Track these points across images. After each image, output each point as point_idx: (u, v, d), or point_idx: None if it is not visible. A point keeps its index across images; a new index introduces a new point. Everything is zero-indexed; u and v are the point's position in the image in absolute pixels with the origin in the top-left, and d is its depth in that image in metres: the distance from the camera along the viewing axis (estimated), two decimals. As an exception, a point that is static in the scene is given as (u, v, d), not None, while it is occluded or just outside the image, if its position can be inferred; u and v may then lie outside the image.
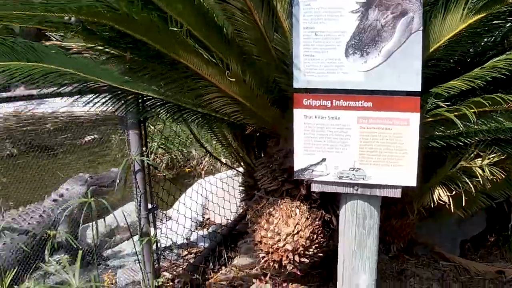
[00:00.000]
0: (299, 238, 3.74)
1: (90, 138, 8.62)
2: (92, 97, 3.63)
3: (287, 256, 3.76)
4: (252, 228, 3.98)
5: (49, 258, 4.08)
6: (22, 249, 5.41)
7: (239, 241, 5.62)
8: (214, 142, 7.42)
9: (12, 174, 6.82)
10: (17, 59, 3.07)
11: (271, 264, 3.85)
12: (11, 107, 11.09)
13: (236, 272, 5.09)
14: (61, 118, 10.87)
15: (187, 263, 5.16)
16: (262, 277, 3.85)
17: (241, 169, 5.55)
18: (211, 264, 5.20)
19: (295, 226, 3.74)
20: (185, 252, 5.42)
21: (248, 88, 3.43)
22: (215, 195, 6.06)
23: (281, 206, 3.84)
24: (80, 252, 3.17)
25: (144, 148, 4.09)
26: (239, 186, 5.86)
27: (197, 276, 4.94)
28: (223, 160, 7.15)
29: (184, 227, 5.49)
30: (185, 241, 5.51)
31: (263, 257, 3.89)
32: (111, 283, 4.71)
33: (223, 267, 5.23)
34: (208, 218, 6.27)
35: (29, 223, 5.71)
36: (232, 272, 5.11)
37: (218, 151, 7.45)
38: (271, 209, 3.86)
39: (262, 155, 4.57)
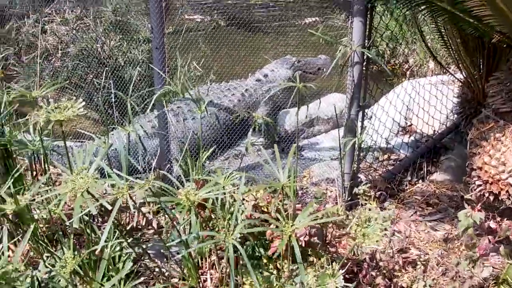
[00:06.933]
0: (526, 174, 3.25)
1: (311, 20, 8.30)
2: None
3: (507, 191, 3.29)
4: (473, 151, 3.53)
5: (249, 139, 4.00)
6: (218, 125, 5.47)
7: (441, 156, 5.17)
8: (430, 42, 6.81)
9: (217, 47, 6.77)
10: None
11: (486, 194, 3.42)
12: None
13: (433, 189, 4.72)
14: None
15: (384, 169, 4.87)
16: (475, 205, 3.42)
17: (460, 76, 5.00)
18: (408, 175, 4.86)
19: (524, 160, 3.24)
20: (384, 157, 5.10)
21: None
22: (424, 99, 5.48)
23: (514, 134, 3.33)
24: (294, 145, 2.97)
25: (366, 40, 3.75)
26: (454, 96, 5.34)
27: (392, 186, 4.66)
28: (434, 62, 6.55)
29: (389, 130, 5.09)
30: (385, 144, 5.16)
31: (478, 185, 3.45)
32: (310, 178, 4.60)
33: (420, 181, 4.87)
34: (411, 125, 5.80)
35: (230, 100, 5.72)
36: (429, 187, 4.75)
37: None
38: (500, 134, 3.36)
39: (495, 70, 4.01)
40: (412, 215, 4.32)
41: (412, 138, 5.50)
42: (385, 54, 8.29)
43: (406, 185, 4.76)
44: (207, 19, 8.31)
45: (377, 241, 2.40)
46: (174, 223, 2.81)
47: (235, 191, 2.93)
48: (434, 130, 5.40)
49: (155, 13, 3.92)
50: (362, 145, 4.29)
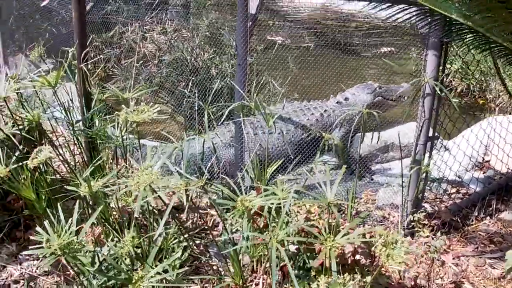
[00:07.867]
0: None
1: (386, 50, 8.37)
2: (402, 7, 3.57)
3: None
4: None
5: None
6: (293, 142, 5.68)
7: (513, 195, 5.13)
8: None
9: (303, 67, 6.99)
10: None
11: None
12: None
13: (499, 227, 4.70)
14: (366, 19, 10.61)
15: (451, 202, 4.90)
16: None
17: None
18: (476, 210, 4.86)
19: None
20: (453, 190, 5.13)
21: None
22: (502, 138, 5.47)
23: None
24: (343, 167, 3.15)
25: (440, 73, 3.88)
26: (533, 137, 5.29)
27: (457, 219, 4.69)
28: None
29: (459, 163, 5.12)
30: (456, 178, 5.18)
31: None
32: (369, 200, 4.71)
33: (488, 218, 4.85)
34: (488, 161, 5.78)
35: (308, 119, 5.92)
36: (495, 226, 4.74)
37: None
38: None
39: None
40: (473, 250, 4.35)
41: (486, 174, 5.48)
42: (463, 88, 8.24)
43: (472, 220, 4.77)
44: (288, 41, 8.56)
45: (400, 263, 2.53)
46: (226, 224, 3.07)
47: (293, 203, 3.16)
48: (508, 168, 5.36)
49: (240, 32, 4.23)
50: (429, 176, 4.38)
